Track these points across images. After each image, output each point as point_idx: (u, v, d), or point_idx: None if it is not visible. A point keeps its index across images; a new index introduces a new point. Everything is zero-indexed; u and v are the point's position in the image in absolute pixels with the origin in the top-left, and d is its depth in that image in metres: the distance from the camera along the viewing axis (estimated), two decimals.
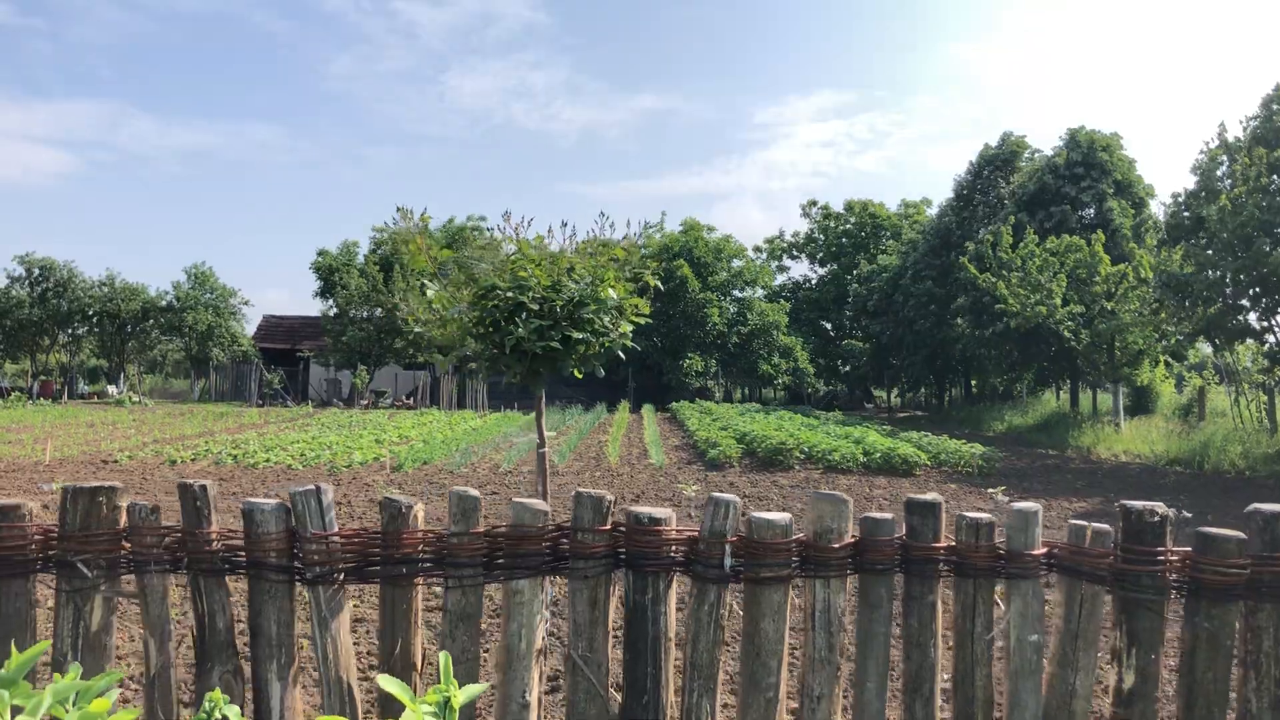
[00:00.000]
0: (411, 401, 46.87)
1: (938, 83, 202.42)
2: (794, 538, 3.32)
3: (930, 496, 3.45)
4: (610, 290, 4.19)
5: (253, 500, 3.34)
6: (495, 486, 17.07)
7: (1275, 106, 20.72)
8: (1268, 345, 22.06)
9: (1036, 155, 40.96)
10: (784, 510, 15.09)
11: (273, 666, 3.25)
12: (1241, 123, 21.90)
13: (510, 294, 4.16)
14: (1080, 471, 21.61)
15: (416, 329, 4.71)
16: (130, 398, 45.88)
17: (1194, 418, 27.87)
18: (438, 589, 6.42)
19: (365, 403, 45.18)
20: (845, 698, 3.57)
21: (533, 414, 39.53)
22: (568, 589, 3.43)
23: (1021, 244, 29.70)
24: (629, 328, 4.46)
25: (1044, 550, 3.34)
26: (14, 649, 3.11)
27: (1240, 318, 22.88)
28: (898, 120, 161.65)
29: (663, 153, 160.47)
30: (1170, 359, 30.17)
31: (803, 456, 20.57)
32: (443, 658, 1.98)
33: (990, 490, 17.24)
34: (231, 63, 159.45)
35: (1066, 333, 28.71)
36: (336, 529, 3.33)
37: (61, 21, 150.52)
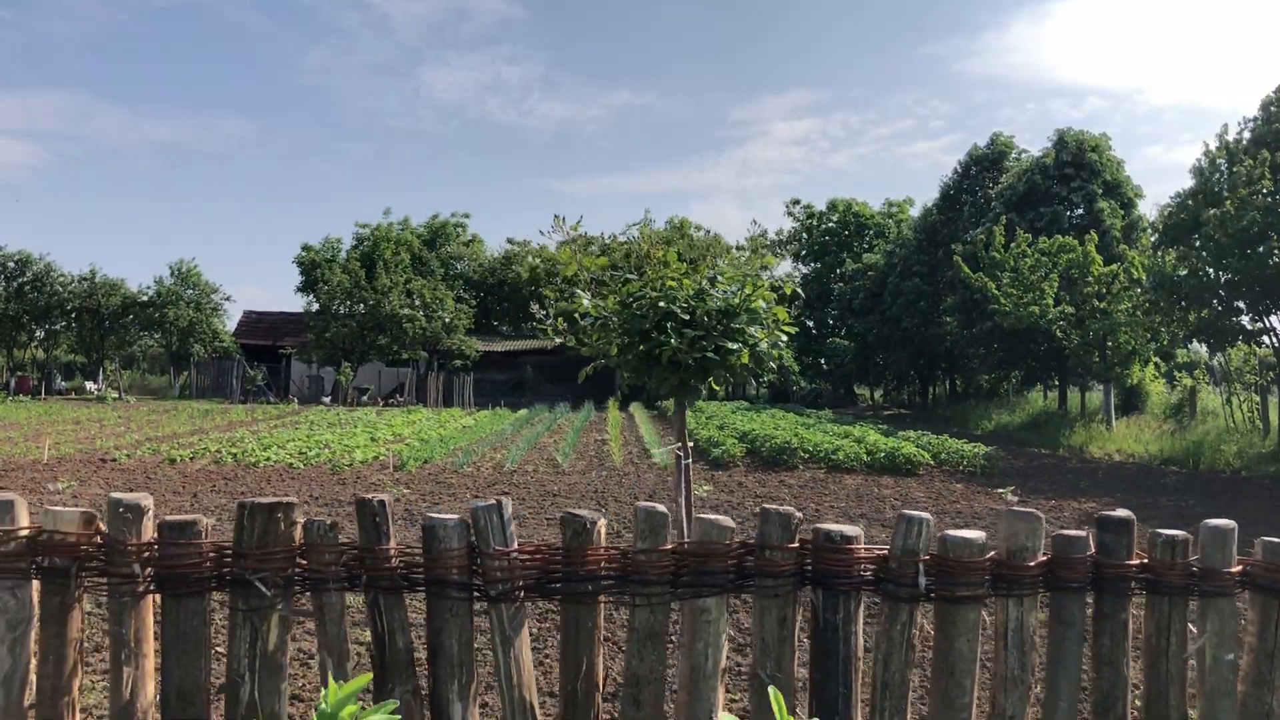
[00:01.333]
0: (400, 399, 46.53)
1: (912, 81, 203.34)
2: (988, 556, 3.26)
3: (1122, 513, 3.40)
4: (760, 300, 4.10)
5: (435, 515, 3.25)
6: (505, 486, 16.96)
7: (1274, 109, 20.93)
8: (1266, 348, 22.29)
9: (1024, 156, 41.24)
10: (795, 508, 15.10)
11: (454, 686, 3.17)
12: (1239, 125, 22.14)
13: (661, 303, 4.07)
14: (1079, 471, 21.75)
15: (558, 339, 4.61)
16: (111, 394, 45.26)
17: (1185, 417, 28.15)
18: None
19: (352, 400, 44.82)
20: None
21: (522, 411, 39.41)
22: (753, 607, 3.36)
23: (1014, 244, 29.87)
24: (780, 337, 4.36)
25: (1239, 568, 3.30)
26: (253, 675, 3.01)
27: (1234, 319, 23.13)
28: (871, 119, 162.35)
29: (638, 149, 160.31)
30: (1159, 359, 30.45)
31: (806, 456, 20.57)
32: (772, 692, 1.91)
33: (1000, 490, 17.35)
34: (203, 55, 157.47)
35: (1058, 332, 28.92)
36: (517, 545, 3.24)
37: (30, 12, 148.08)
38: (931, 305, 39.36)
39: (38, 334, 49.96)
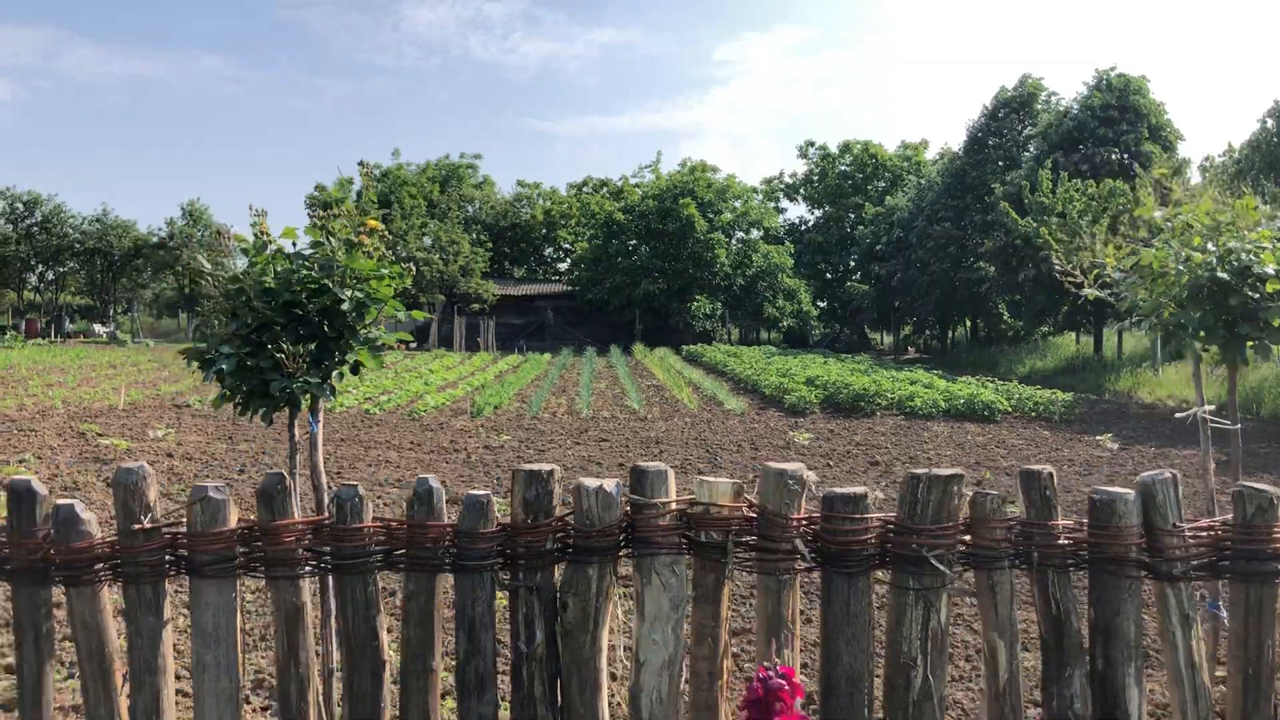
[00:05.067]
0: (427, 344, 45.93)
1: (898, 19, 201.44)
2: None
3: None
4: None
5: (1108, 490, 3.02)
6: (596, 433, 16.66)
7: None
8: None
9: (1053, 99, 40.84)
10: (933, 464, 14.96)
11: (1130, 670, 2.98)
12: None
13: (1243, 256, 3.81)
14: (1146, 417, 21.64)
15: (1092, 291, 4.35)
16: (130, 337, 44.55)
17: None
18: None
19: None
20: None
21: (547, 355, 39.12)
22: None
23: (1060, 188, 29.62)
24: None
25: None
26: (925, 658, 2.74)
27: None
28: (857, 57, 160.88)
29: (622, 88, 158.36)
30: None
31: (884, 403, 20.41)
32: None
33: (1098, 438, 17.22)
34: None
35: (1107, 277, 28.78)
36: (1186, 520, 3.03)
37: None
38: (961, 249, 39.14)
39: (48, 276, 49.03)
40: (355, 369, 3.47)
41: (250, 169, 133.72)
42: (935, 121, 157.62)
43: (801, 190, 58.82)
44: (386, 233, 3.51)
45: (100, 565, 2.83)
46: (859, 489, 2.91)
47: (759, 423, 18.80)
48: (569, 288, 52.19)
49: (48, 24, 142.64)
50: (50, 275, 49.11)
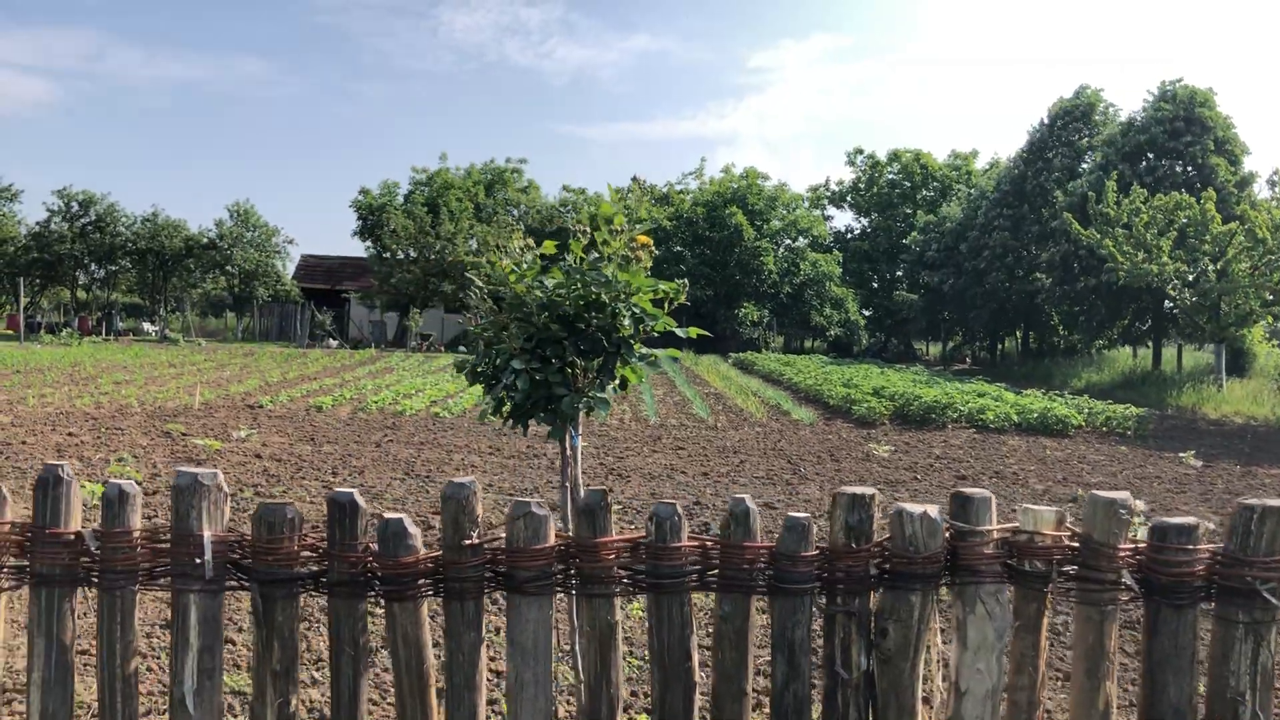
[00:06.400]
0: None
1: (934, 29, 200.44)
2: None
3: None
4: None
5: None
6: (670, 442, 16.59)
7: None
8: None
9: (1111, 109, 40.50)
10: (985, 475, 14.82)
11: None
12: None
13: None
14: (1218, 434, 21.34)
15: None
16: (182, 336, 45.02)
17: None
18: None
19: (421, 346, 44.56)
20: None
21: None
22: None
23: (1127, 199, 29.30)
24: None
25: None
26: (1254, 694, 2.66)
27: None
28: (893, 65, 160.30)
29: (656, 95, 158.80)
30: (1270, 318, 30.00)
31: (955, 416, 20.23)
32: None
33: (1180, 455, 16.97)
34: None
35: (1172, 291, 28.46)
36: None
37: None
38: (1016, 259, 38.83)
39: (98, 275, 49.65)
40: (624, 384, 3.45)
41: (291, 171, 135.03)
42: (973, 128, 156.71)
43: (848, 198, 58.59)
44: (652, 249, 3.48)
45: (424, 580, 2.82)
46: (1189, 519, 2.86)
47: (831, 433, 18.69)
48: None
49: (91, 26, 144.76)
50: (101, 274, 49.69)
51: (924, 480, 13.56)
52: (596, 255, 3.44)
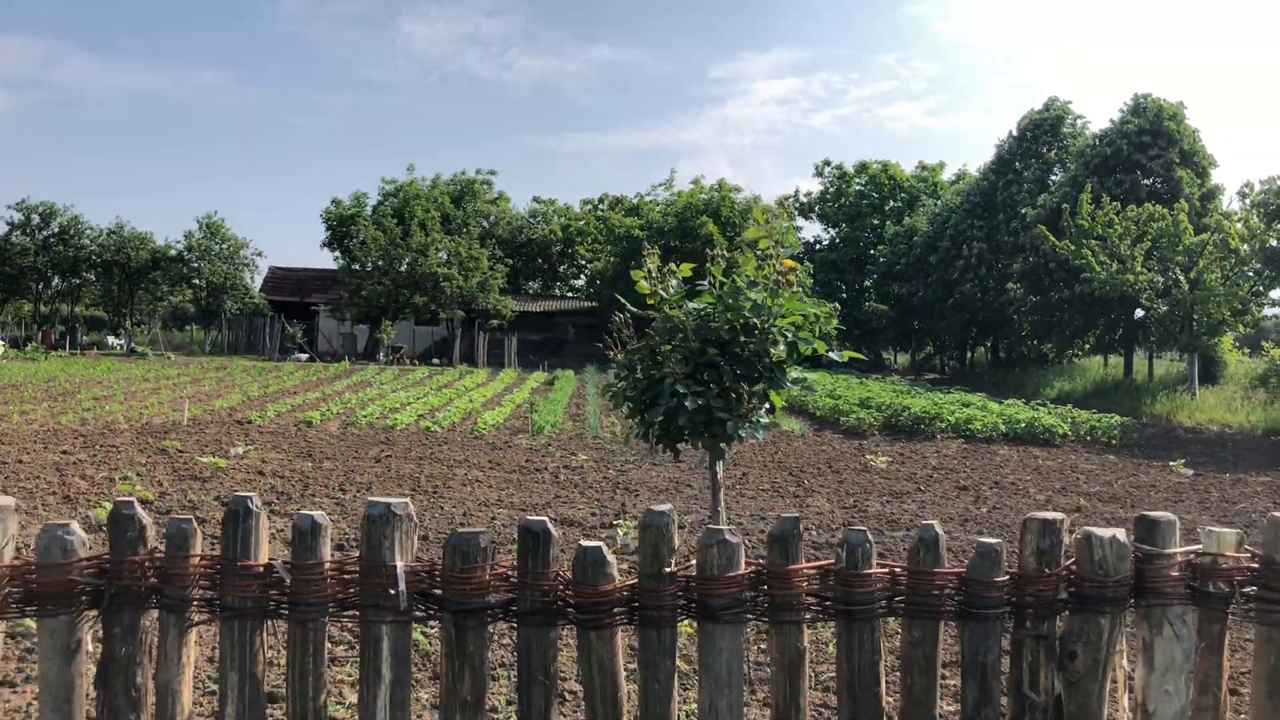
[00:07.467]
0: (448, 359, 45.77)
1: (895, 42, 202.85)
2: None
3: None
4: None
5: None
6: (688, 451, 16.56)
7: None
8: None
9: (1079, 122, 41.16)
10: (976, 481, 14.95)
11: None
12: None
13: None
14: (1200, 441, 21.68)
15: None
16: (150, 350, 44.33)
17: (1273, 386, 28.28)
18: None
19: (393, 359, 44.20)
20: None
21: (571, 372, 39.09)
22: None
23: (1101, 211, 29.79)
24: None
25: None
26: None
27: None
28: (854, 79, 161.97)
29: (619, 106, 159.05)
30: (1247, 327, 30.61)
31: (944, 426, 20.41)
32: None
33: (1170, 463, 17.23)
34: (177, 2, 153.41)
35: (1146, 301, 28.94)
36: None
37: None
38: (989, 269, 39.32)
39: (60, 288, 48.75)
40: (771, 409, 3.45)
41: (254, 182, 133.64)
42: (934, 143, 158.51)
43: (816, 209, 58.98)
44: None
45: (619, 609, 2.80)
46: None
47: (824, 444, 18.79)
48: (589, 304, 52.17)
49: (45, 34, 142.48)
50: (64, 286, 48.79)
51: (927, 491, 13.66)
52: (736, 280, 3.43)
